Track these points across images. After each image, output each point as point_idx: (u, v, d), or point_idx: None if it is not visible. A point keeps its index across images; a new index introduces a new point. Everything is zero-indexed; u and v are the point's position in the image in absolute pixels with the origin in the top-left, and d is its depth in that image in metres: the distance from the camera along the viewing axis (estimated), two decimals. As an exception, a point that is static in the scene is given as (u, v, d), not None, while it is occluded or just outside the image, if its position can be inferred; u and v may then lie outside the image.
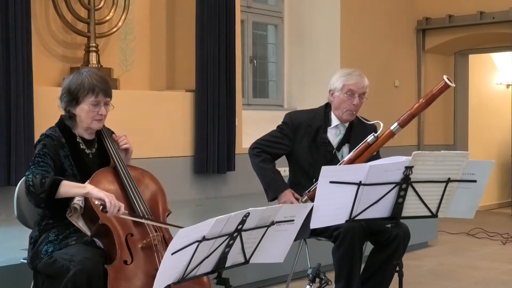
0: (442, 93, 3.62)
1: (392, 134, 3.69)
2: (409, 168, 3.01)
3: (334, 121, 3.89)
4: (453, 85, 3.57)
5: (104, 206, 2.86)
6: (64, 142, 3.08)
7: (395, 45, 8.78)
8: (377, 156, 3.85)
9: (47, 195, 2.89)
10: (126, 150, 3.27)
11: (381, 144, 3.70)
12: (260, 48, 8.09)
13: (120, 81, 6.15)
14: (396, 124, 3.66)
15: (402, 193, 3.07)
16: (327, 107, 3.93)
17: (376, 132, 3.73)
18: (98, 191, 2.91)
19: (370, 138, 3.69)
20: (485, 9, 8.58)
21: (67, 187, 2.92)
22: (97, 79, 3.11)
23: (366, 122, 3.89)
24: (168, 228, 3.11)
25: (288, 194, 3.80)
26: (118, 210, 2.89)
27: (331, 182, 2.96)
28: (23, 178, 3.30)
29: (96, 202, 2.90)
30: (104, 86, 3.12)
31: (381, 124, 3.71)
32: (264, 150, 3.90)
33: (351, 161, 3.68)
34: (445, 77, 3.57)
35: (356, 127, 3.90)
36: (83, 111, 3.10)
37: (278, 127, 3.95)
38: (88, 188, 2.93)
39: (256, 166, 3.90)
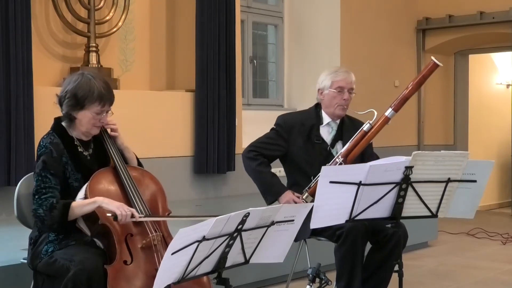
0: (432, 74, 3.66)
1: (387, 119, 3.73)
2: (409, 168, 3.02)
3: (326, 119, 3.94)
4: (441, 64, 3.63)
5: (116, 217, 2.89)
6: (63, 148, 3.06)
7: (395, 45, 8.77)
8: (372, 153, 3.87)
9: (60, 224, 2.94)
10: (115, 138, 3.25)
11: (377, 130, 3.73)
12: (260, 48, 8.08)
13: (120, 81, 6.15)
14: (390, 109, 3.71)
15: (402, 193, 3.08)
16: (317, 107, 3.99)
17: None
18: (108, 203, 2.93)
19: (365, 126, 3.74)
20: (485, 9, 8.58)
21: (78, 209, 2.95)
22: (105, 88, 3.08)
23: (358, 113, 3.92)
24: (171, 221, 3.13)
25: (288, 194, 3.80)
26: (132, 217, 2.92)
27: (331, 182, 2.96)
28: (23, 179, 3.32)
29: (108, 215, 2.92)
30: (110, 96, 3.11)
31: (375, 112, 3.76)
32: (261, 153, 3.92)
33: (349, 151, 3.73)
34: (432, 57, 3.64)
35: (347, 124, 3.97)
36: (86, 117, 3.08)
37: (272, 129, 3.99)
38: (98, 201, 2.94)
39: (253, 170, 3.92)
